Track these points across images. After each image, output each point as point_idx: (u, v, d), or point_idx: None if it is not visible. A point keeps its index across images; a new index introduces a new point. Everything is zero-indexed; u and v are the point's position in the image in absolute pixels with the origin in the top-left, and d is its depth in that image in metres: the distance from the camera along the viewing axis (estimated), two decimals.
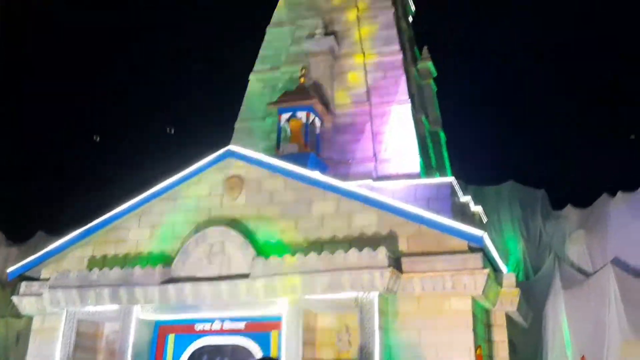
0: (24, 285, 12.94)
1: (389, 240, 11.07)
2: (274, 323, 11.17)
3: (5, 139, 30.83)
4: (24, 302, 12.82)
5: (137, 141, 29.71)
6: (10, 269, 13.29)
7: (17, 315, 17.13)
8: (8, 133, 31.11)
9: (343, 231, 11.45)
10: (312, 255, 10.66)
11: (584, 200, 18.74)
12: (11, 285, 13.40)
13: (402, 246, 11.05)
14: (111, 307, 11.73)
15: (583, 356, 9.53)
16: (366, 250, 10.37)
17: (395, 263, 10.58)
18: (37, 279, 13.04)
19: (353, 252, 10.43)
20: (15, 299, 13.02)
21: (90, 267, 12.08)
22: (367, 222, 11.41)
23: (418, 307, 10.66)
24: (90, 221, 13.01)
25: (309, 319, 10.80)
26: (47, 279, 12.41)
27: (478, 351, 8.98)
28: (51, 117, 33.02)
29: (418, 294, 10.63)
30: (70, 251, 12.99)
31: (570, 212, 18.54)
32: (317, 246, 11.34)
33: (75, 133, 32.06)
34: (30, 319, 13.41)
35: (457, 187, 14.18)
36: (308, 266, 10.58)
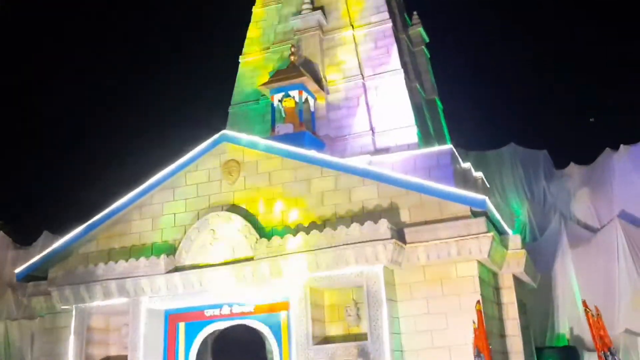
0: (31, 286, 13.00)
1: (390, 212, 11.01)
2: (283, 304, 11.20)
3: (4, 142, 30.85)
4: (34, 302, 12.90)
5: (135, 133, 29.63)
6: (17, 270, 13.34)
7: (30, 316, 17.27)
8: (6, 136, 31.11)
9: (344, 207, 11.40)
10: (314, 233, 10.63)
11: (586, 157, 18.65)
12: (22, 287, 13.46)
13: (404, 217, 11.00)
14: (119, 300, 11.76)
15: (593, 307, 9.68)
16: (368, 223, 10.33)
17: (398, 234, 10.54)
18: (45, 279, 13.07)
19: (355, 226, 10.39)
20: (24, 299, 13.06)
21: (95, 263, 12.08)
22: (367, 196, 11.34)
23: (424, 277, 10.64)
24: (93, 217, 13.01)
25: (317, 296, 10.80)
26: (55, 278, 12.45)
27: (477, 306, 9.10)
28: (46, 113, 32.98)
29: (423, 264, 10.60)
30: (75, 248, 13.01)
31: (574, 171, 18.44)
32: (319, 224, 11.30)
33: (72, 129, 32.02)
34: (43, 319, 13.47)
35: (457, 154, 14.07)
36: (311, 244, 10.55)
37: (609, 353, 9.04)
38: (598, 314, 9.35)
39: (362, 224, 10.38)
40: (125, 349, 11.91)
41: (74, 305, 11.94)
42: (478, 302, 9.12)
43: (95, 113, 33.03)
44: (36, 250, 17.97)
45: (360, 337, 10.41)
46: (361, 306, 10.58)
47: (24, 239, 20.51)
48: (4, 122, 30.82)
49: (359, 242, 10.23)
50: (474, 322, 9.21)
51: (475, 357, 9.00)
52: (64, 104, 33.34)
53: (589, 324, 9.34)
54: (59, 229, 18.25)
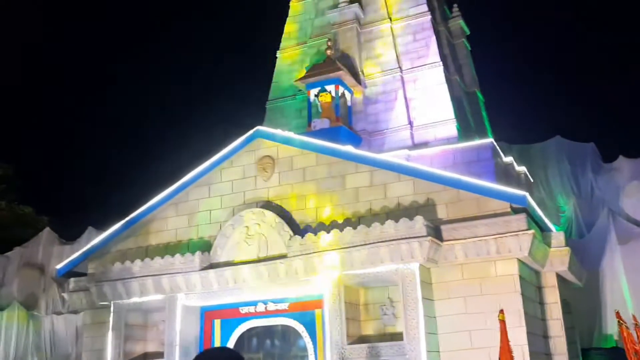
0: (72, 282, 13.20)
1: (426, 208, 10.73)
2: (317, 302, 11.05)
3: (53, 139, 31.63)
4: (74, 298, 13.10)
5: (174, 131, 29.97)
6: (58, 266, 13.60)
7: (75, 311, 17.59)
8: (55, 134, 31.89)
9: (379, 203, 11.17)
10: (348, 230, 10.43)
11: (636, 150, 17.85)
12: (64, 283, 13.72)
13: (441, 213, 10.69)
14: (156, 297, 11.83)
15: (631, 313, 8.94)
16: (403, 220, 10.07)
17: (435, 232, 10.25)
18: (86, 275, 13.27)
19: (390, 223, 10.15)
20: (65, 295, 13.29)
21: (132, 259, 12.17)
22: (403, 192, 11.08)
23: (462, 275, 10.32)
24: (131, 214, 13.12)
25: (351, 294, 10.61)
26: (93, 274, 12.61)
27: (500, 316, 8.56)
28: (86, 113, 33.66)
29: (461, 262, 10.28)
30: (113, 245, 13.16)
31: (623, 164, 17.67)
32: (354, 220, 11.10)
33: (117, 129, 32.63)
34: (85, 314, 13.68)
35: (498, 148, 13.66)
36: (345, 242, 10.36)
37: None
38: (636, 325, 8.61)
39: (397, 220, 10.13)
40: (162, 346, 11.98)
41: (111, 302, 12.07)
42: (501, 311, 8.57)
43: (137, 113, 33.58)
44: (80, 245, 18.25)
45: (396, 336, 10.17)
46: (397, 305, 10.34)
47: (70, 234, 20.92)
48: (53, 121, 31.64)
49: (394, 240, 9.99)
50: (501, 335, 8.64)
51: None
52: (109, 105, 34.02)
53: (623, 338, 8.65)
54: (103, 226, 18.57)
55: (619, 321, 8.75)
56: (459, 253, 10.23)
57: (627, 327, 8.55)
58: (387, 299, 10.63)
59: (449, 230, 10.33)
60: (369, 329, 10.63)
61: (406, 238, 9.92)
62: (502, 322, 8.54)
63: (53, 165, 31.46)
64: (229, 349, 2.36)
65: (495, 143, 13.46)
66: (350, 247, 10.27)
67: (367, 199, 11.27)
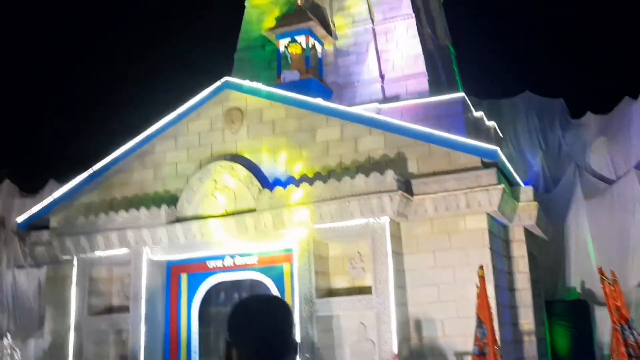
0: (34, 235, 12.84)
1: (397, 163, 10.61)
2: (286, 255, 10.96)
3: (11, 91, 30.52)
4: (36, 252, 12.77)
5: (140, 80, 29.11)
6: (19, 219, 13.20)
7: (38, 265, 17.24)
8: (13, 85, 30.75)
9: (349, 157, 11.01)
10: (318, 184, 10.28)
11: (604, 106, 17.91)
12: (26, 236, 13.34)
13: (412, 168, 10.60)
14: (121, 251, 11.59)
15: (599, 268, 9.01)
16: (373, 174, 9.95)
17: (405, 186, 10.17)
18: (48, 228, 12.91)
19: (360, 177, 10.02)
20: (27, 249, 12.95)
21: (96, 213, 11.86)
22: (374, 145, 10.93)
23: (431, 229, 10.31)
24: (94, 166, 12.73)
25: (320, 248, 10.53)
26: (56, 227, 12.27)
27: (479, 272, 8.62)
28: (46, 59, 32.47)
29: (431, 216, 10.26)
30: (76, 198, 12.78)
31: (591, 120, 17.76)
32: (324, 174, 10.94)
33: (77, 77, 31.55)
34: (48, 268, 13.39)
35: (469, 103, 13.56)
36: (315, 196, 10.22)
37: (626, 326, 8.30)
38: (615, 280, 8.68)
39: (367, 174, 10.01)
40: (128, 300, 11.81)
41: (75, 255, 11.79)
42: (481, 267, 8.62)
43: (99, 60, 32.48)
44: (42, 198, 17.71)
45: (365, 290, 10.18)
46: (366, 259, 10.31)
47: (31, 187, 20.35)
48: (11, 70, 30.44)
49: (364, 194, 9.89)
50: (477, 287, 8.71)
51: (477, 328, 8.42)
52: (68, 49, 32.83)
53: (605, 294, 8.71)
54: (66, 178, 18.05)
55: (601, 277, 8.80)
56: (429, 207, 10.20)
57: (609, 283, 8.62)
58: (357, 252, 10.59)
59: (419, 185, 10.26)
60: (338, 283, 10.61)
61: (377, 192, 9.82)
62: (482, 278, 8.58)
63: (12, 116, 30.42)
64: (274, 296, 2.06)
65: (466, 97, 13.35)
66: (320, 201, 10.14)
67: (338, 152, 11.10)
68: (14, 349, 10.89)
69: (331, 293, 10.48)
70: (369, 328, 9.96)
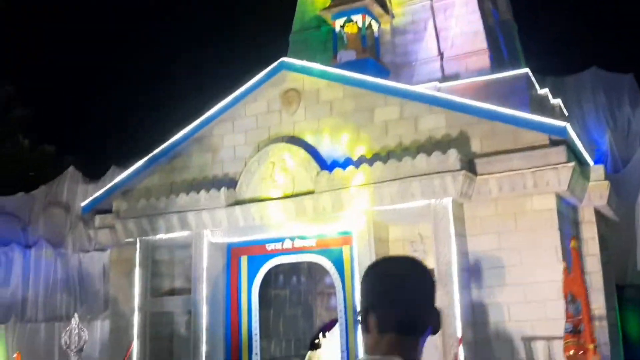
0: (98, 219, 13.12)
1: (460, 142, 10.26)
2: (345, 238, 10.82)
3: (75, 79, 31.35)
4: (100, 235, 13.04)
5: (198, 65, 29.39)
6: (83, 203, 13.51)
7: (102, 249, 17.69)
8: (77, 73, 31.57)
9: (409, 137, 10.72)
10: (378, 164, 10.05)
11: None
12: (90, 220, 13.69)
13: (475, 147, 10.23)
14: (182, 234, 11.69)
15: None
16: (436, 154, 9.65)
17: (469, 165, 9.83)
18: (111, 212, 13.16)
19: (422, 157, 9.74)
20: (91, 232, 13.25)
21: (157, 196, 11.99)
22: (434, 125, 10.60)
23: (496, 210, 9.95)
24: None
25: (380, 230, 10.33)
26: (118, 211, 12.49)
27: (573, 243, 8.17)
28: (108, 49, 33.16)
29: (495, 196, 9.89)
30: (137, 182, 12.97)
31: None
32: (383, 155, 10.70)
33: (139, 66, 32.11)
34: (112, 251, 13.67)
35: (533, 80, 13.05)
36: (375, 177, 10.00)
37: None
38: None
39: (429, 154, 9.71)
40: (189, 282, 11.93)
41: (137, 238, 11.97)
42: (574, 238, 8.16)
43: (160, 48, 32.96)
44: (104, 184, 18.16)
45: None
46: (428, 241, 10.06)
47: (93, 173, 20.89)
48: (75, 61, 31.26)
49: (426, 174, 9.61)
50: (564, 262, 8.24)
51: (568, 304, 7.93)
52: (131, 41, 33.46)
53: None
54: (126, 164, 18.41)
55: None
56: (494, 187, 9.83)
57: None
58: (418, 235, 10.35)
59: (483, 164, 9.90)
60: None
61: (439, 172, 9.52)
62: (575, 250, 8.18)
63: (75, 105, 31.29)
64: (413, 258, 1.74)
65: (530, 73, 12.85)
66: (380, 182, 9.92)
67: (397, 132, 10.83)
68: (81, 329, 11.16)
69: None
70: None
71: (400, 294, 1.64)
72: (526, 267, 9.54)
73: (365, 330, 1.64)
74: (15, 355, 9.09)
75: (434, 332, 1.68)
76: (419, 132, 10.67)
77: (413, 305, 1.64)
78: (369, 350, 1.63)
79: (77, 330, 11.19)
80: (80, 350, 11.23)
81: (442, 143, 10.33)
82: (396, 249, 10.45)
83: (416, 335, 1.64)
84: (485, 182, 9.83)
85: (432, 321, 1.65)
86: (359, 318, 1.69)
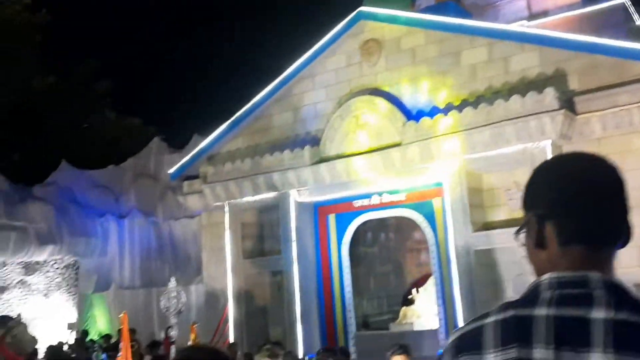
0: (186, 185, 13.30)
1: (556, 80, 9.57)
2: (436, 190, 10.42)
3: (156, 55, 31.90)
4: (189, 201, 13.23)
5: (270, 25, 29.20)
6: (170, 170, 13.73)
7: (191, 216, 18.05)
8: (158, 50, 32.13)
9: (500, 79, 10.11)
10: (468, 110, 9.54)
11: None
12: (178, 187, 13.92)
13: (573, 84, 9.52)
14: (269, 195, 11.65)
15: None
16: (530, 94, 9.04)
17: (567, 104, 9.16)
18: (198, 177, 13.30)
19: (515, 99, 9.15)
20: (180, 198, 13.46)
21: (242, 159, 11.97)
22: (527, 64, 9.93)
23: (599, 150, 9.21)
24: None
25: (473, 180, 9.86)
26: (205, 176, 12.58)
27: None
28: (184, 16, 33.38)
29: (598, 136, 9.21)
30: (222, 146, 13.02)
31: None
32: (472, 101, 10.15)
33: (214, 37, 32.34)
34: (201, 216, 13.88)
35: (631, 10, 12.03)
36: (465, 123, 9.52)
37: None
38: None
39: (523, 95, 9.11)
40: (279, 243, 11.90)
41: (225, 202, 12.03)
42: None
43: (229, 14, 32.99)
44: (188, 152, 18.47)
45: None
46: None
47: (177, 143, 21.25)
48: (155, 35, 31.79)
49: (521, 117, 9.03)
50: None
51: None
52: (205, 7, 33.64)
53: None
54: (208, 132, 18.61)
55: None
56: (596, 126, 9.15)
57: None
58: (513, 182, 9.80)
59: (583, 102, 9.21)
60: (494, 216, 9.91)
61: (535, 114, 8.93)
62: None
63: (155, 78, 31.90)
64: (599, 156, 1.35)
65: (627, 4, 11.84)
66: (471, 128, 9.42)
67: (486, 75, 10.23)
68: (179, 293, 11.42)
69: (488, 226, 9.82)
70: None
71: (590, 198, 1.31)
72: (635, 211, 8.84)
73: (539, 243, 1.31)
74: (122, 314, 9.37)
75: (623, 245, 1.34)
76: (510, 73, 10.04)
77: (606, 211, 1.30)
78: (543, 267, 1.31)
79: (175, 294, 11.44)
80: (179, 312, 11.50)
81: (536, 83, 9.67)
82: (491, 198, 9.97)
83: (609, 248, 1.31)
84: (587, 122, 9.16)
85: (625, 231, 1.32)
86: (525, 229, 1.36)
